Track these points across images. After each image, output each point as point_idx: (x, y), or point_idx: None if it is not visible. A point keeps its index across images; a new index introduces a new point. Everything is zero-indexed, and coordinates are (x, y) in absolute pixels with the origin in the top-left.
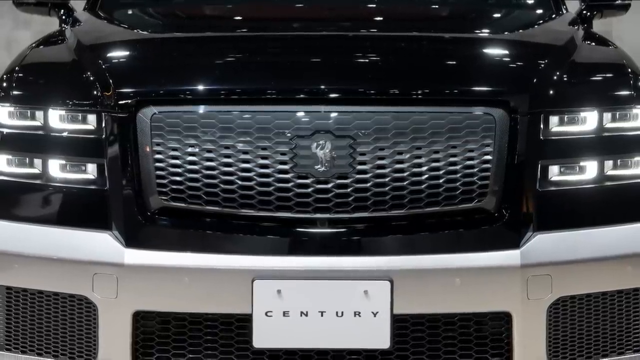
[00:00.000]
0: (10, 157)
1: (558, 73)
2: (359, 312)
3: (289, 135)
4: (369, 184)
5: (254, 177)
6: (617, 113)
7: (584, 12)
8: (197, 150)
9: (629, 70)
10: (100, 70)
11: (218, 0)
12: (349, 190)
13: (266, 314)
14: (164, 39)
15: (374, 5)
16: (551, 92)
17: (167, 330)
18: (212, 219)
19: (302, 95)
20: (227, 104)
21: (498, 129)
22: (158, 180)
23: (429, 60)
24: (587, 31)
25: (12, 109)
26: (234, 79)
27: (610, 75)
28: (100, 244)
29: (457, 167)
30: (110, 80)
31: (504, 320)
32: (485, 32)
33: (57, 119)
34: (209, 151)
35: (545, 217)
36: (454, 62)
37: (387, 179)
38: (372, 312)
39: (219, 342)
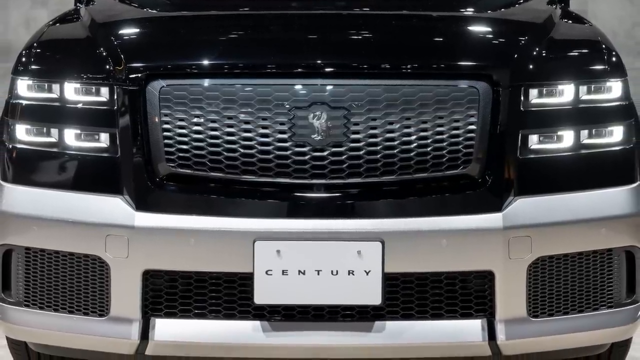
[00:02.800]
0: (28, 126)
1: (537, 49)
2: (353, 271)
3: (287, 106)
4: (361, 152)
5: (255, 145)
6: (592, 86)
7: None
8: (202, 120)
9: (603, 46)
10: (112, 47)
11: None
12: (343, 157)
13: (266, 272)
14: (171, 17)
15: None
16: (531, 66)
17: (174, 287)
18: (216, 184)
19: (299, 70)
20: (230, 77)
21: (482, 101)
22: (166, 149)
23: (418, 37)
24: (564, 10)
25: (30, 82)
26: (237, 54)
27: (586, 50)
28: (113, 208)
29: (444, 137)
30: (122, 56)
31: (487, 278)
32: (470, 11)
33: (72, 91)
34: (213, 121)
35: (525, 183)
36: (441, 39)
37: (378, 147)
38: (365, 271)
39: (222, 298)
